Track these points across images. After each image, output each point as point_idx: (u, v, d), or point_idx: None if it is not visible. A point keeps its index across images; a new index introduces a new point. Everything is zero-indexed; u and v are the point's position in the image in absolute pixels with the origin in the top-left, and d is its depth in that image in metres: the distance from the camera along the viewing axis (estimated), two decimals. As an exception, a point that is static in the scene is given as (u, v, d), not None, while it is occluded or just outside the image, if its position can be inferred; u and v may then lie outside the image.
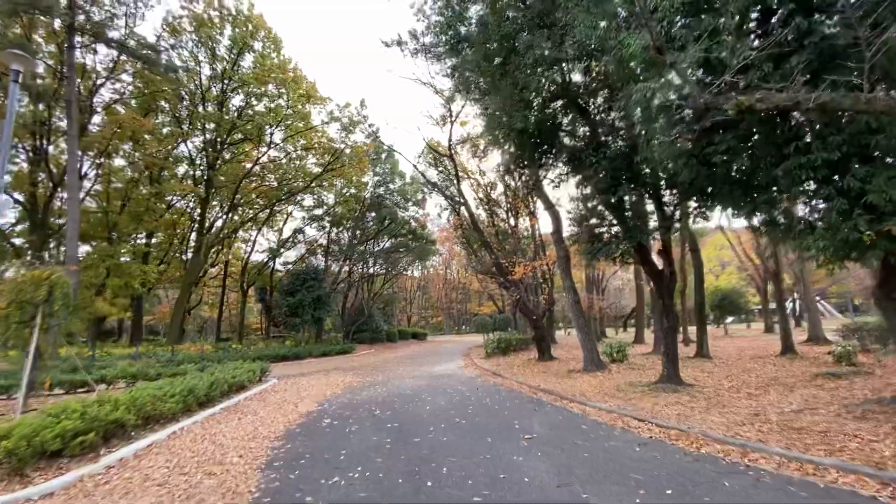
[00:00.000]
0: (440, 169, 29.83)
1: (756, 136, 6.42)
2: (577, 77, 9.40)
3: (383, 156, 37.45)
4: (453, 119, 19.19)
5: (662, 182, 8.72)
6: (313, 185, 32.02)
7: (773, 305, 40.31)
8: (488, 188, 29.27)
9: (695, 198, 8.31)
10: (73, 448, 5.52)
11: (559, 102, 9.64)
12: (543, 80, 9.25)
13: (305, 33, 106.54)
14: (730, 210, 8.53)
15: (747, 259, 34.53)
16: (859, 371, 11.35)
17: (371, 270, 44.17)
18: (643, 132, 8.06)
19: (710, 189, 7.60)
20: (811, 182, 6.25)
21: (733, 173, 6.88)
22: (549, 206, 15.31)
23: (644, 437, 6.56)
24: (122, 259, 27.87)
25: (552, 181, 12.11)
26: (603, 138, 9.59)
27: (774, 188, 6.76)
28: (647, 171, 8.76)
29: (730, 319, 41.85)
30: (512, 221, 27.62)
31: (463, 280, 66.50)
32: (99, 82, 25.34)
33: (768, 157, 6.34)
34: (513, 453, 5.79)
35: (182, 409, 8.20)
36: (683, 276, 24.39)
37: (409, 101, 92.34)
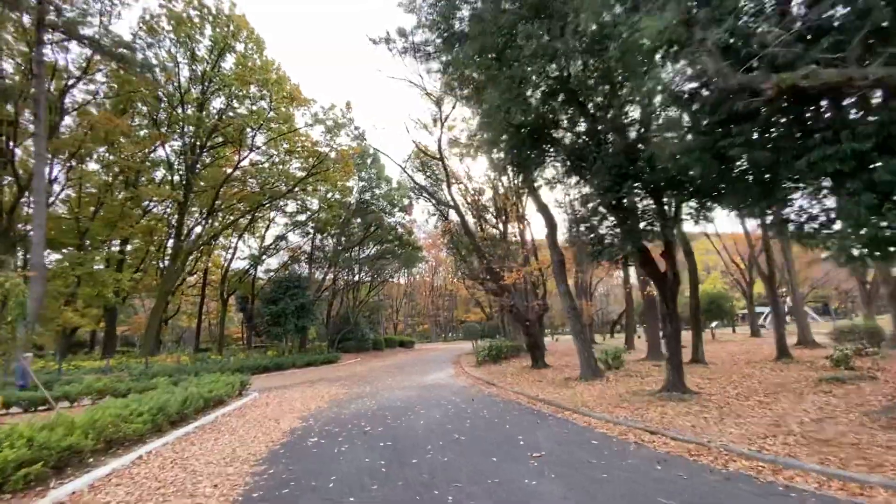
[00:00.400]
0: (428, 173, 29.38)
1: (776, 128, 6.02)
2: (576, 70, 8.96)
3: (369, 160, 36.82)
4: (444, 120, 18.73)
5: (669, 180, 8.29)
6: (297, 189, 31.16)
7: (758, 309, 40.75)
8: (477, 194, 28.89)
9: (704, 196, 7.88)
10: (16, 482, 4.75)
11: (559, 98, 9.20)
12: (542, 73, 8.81)
13: (290, 34, 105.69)
14: (735, 209, 8.19)
15: (732, 263, 34.85)
16: (862, 375, 11.06)
17: (356, 278, 43.31)
18: (652, 125, 7.61)
19: (721, 186, 7.18)
20: (835, 176, 5.85)
21: (750, 168, 6.47)
22: (543, 209, 14.85)
23: (661, 452, 6.04)
24: (95, 267, 26.55)
25: (548, 181, 11.67)
26: (604, 136, 9.18)
27: (792, 184, 6.37)
28: (652, 168, 8.33)
29: (714, 324, 42.09)
30: (501, 227, 27.20)
31: (450, 287, 65.87)
32: (71, 82, 24.19)
33: (790, 150, 5.94)
34: (523, 476, 5.19)
35: (151, 429, 7.40)
36: (674, 281, 24.20)
37: (396, 104, 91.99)
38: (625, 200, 9.40)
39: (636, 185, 8.86)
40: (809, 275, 42.98)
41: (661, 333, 11.78)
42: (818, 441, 5.85)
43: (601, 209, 9.89)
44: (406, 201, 37.52)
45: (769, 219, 7.52)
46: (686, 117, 6.71)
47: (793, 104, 5.94)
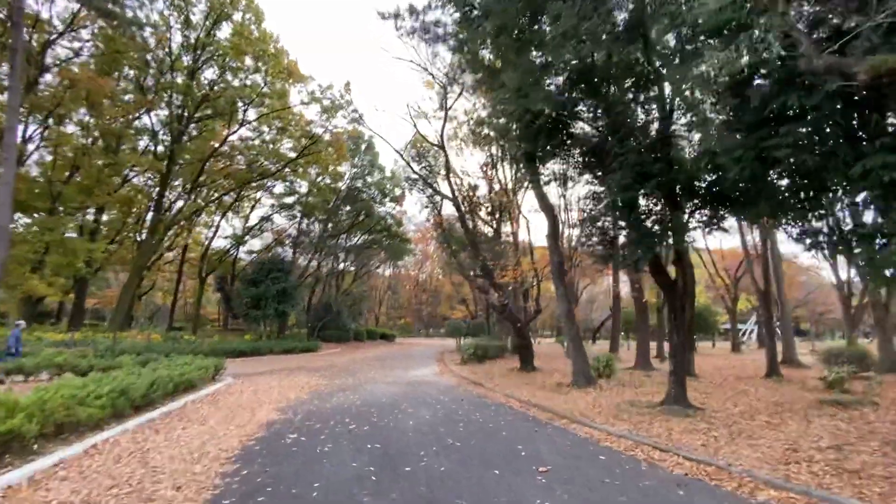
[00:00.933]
0: (424, 164, 28.64)
1: (829, 129, 5.53)
2: (602, 59, 8.37)
3: (363, 147, 35.90)
4: (447, 108, 18.05)
5: (694, 182, 7.78)
6: (287, 169, 30.07)
7: (741, 326, 41.12)
8: (471, 190, 28.30)
9: (733, 201, 7.39)
10: (-63, 471, 3.98)
11: (581, 87, 8.61)
12: (566, 60, 8.20)
13: (289, 17, 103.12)
14: (768, 217, 7.76)
15: (718, 277, 34.98)
16: (861, 400, 10.80)
17: (341, 266, 42.39)
18: (684, 121, 7.07)
19: (756, 191, 6.67)
20: (889, 186, 5.37)
21: (794, 172, 5.98)
22: (546, 207, 14.28)
23: (678, 473, 5.52)
24: (66, 234, 25.15)
25: (557, 177, 11.12)
26: (627, 132, 8.62)
27: (839, 192, 5.89)
28: (678, 168, 7.81)
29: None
30: (495, 224, 26.64)
31: (435, 283, 65.19)
32: (54, 37, 22.76)
33: (841, 155, 5.44)
34: (533, 494, 4.60)
35: (110, 414, 6.61)
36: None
37: (396, 94, 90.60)
38: (640, 202, 8.89)
39: (660, 185, 8.30)
40: (789, 295, 43.60)
41: (668, 344, 11.39)
42: (848, 472, 5.40)
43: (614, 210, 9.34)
44: (398, 191, 36.74)
45: (798, 230, 7.03)
46: (728, 113, 6.19)
47: (849, 106, 5.46)
